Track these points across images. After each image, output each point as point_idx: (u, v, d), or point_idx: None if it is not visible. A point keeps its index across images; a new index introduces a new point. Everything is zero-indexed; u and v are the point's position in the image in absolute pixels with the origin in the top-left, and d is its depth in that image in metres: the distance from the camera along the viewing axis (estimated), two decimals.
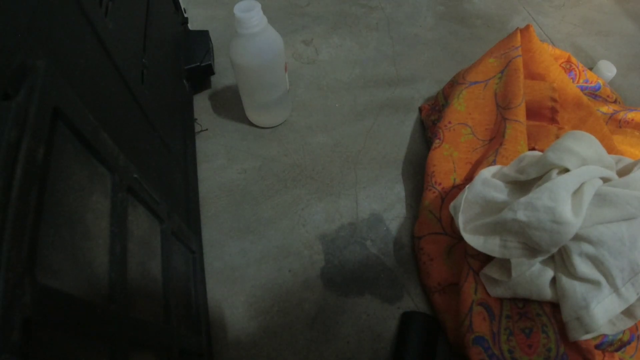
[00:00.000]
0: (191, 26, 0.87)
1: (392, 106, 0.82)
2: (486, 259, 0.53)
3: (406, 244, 0.63)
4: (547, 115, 0.67)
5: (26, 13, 0.27)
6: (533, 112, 0.67)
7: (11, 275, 0.19)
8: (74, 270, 0.26)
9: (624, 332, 0.46)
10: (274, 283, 0.59)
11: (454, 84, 0.73)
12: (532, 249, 0.47)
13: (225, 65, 0.86)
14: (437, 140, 0.67)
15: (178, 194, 0.57)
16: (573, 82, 0.76)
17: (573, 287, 0.45)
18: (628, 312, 0.45)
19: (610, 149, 0.62)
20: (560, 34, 0.99)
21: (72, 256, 0.26)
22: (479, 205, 0.52)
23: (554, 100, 0.66)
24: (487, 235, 0.49)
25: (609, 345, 0.47)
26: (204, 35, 0.82)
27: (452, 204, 0.54)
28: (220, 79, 0.85)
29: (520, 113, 0.63)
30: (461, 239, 0.52)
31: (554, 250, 0.45)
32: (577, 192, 0.45)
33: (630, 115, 0.69)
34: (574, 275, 0.46)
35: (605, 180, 0.48)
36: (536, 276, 0.48)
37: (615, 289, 0.44)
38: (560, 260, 0.47)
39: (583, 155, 0.47)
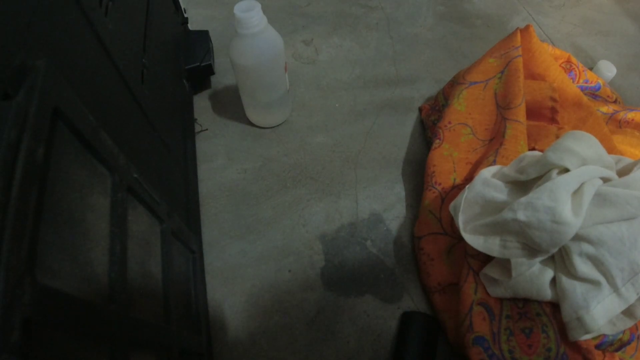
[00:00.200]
0: (191, 26, 0.87)
1: (392, 106, 0.82)
2: (486, 259, 0.53)
3: (406, 244, 0.63)
4: (547, 115, 0.67)
5: (26, 13, 0.27)
6: (533, 112, 0.67)
7: (11, 275, 0.19)
8: (74, 270, 0.26)
9: (624, 332, 0.46)
10: (274, 283, 0.59)
11: (454, 84, 0.73)
12: (532, 249, 0.47)
13: (225, 65, 0.86)
14: (437, 140, 0.67)
15: (178, 194, 0.57)
16: (573, 82, 0.76)
17: (573, 287, 0.45)
18: (628, 312, 0.45)
19: (610, 149, 0.62)
20: (560, 34, 0.99)
21: (72, 256, 0.26)
22: (479, 205, 0.52)
23: (554, 100, 0.66)
24: (487, 235, 0.49)
25: (609, 345, 0.46)
26: (204, 35, 0.82)
27: (452, 204, 0.54)
28: (220, 79, 0.85)
29: (520, 113, 0.63)
30: (461, 239, 0.52)
31: (554, 250, 0.45)
32: (577, 192, 0.45)
33: (630, 115, 0.69)
34: (574, 275, 0.46)
35: (605, 180, 0.48)
36: (536, 276, 0.48)
37: (615, 289, 0.44)
38: (560, 260, 0.47)
39: (583, 155, 0.47)
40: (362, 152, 0.74)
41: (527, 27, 0.69)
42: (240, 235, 0.64)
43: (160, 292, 0.40)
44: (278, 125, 0.77)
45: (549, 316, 0.48)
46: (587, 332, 0.44)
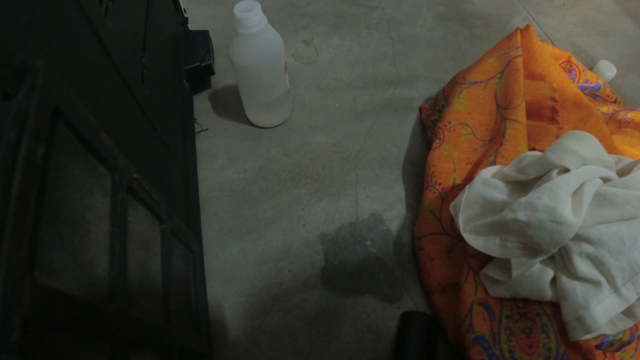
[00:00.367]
0: (191, 26, 0.87)
1: (392, 106, 0.82)
2: (486, 259, 0.53)
3: (406, 244, 0.63)
4: (547, 115, 0.67)
5: (26, 13, 0.27)
6: (533, 112, 0.67)
7: (11, 275, 0.19)
8: (74, 270, 0.26)
9: (624, 332, 0.46)
10: (274, 283, 0.59)
11: (454, 84, 0.73)
12: (532, 249, 0.47)
13: (225, 65, 0.86)
14: (437, 140, 0.67)
15: (178, 194, 0.57)
16: (573, 82, 0.76)
17: (573, 287, 0.45)
18: (628, 312, 0.45)
19: (610, 149, 0.62)
20: (560, 34, 0.99)
21: (72, 256, 0.26)
22: (479, 205, 0.52)
23: (554, 100, 0.66)
24: (487, 235, 0.49)
25: (609, 345, 0.46)
26: (204, 35, 0.82)
27: (452, 204, 0.54)
28: (220, 79, 0.85)
29: (521, 113, 0.63)
30: (461, 239, 0.52)
31: (554, 250, 0.45)
32: (577, 192, 0.45)
33: (630, 115, 0.69)
34: (574, 275, 0.46)
35: (606, 180, 0.48)
36: (536, 276, 0.48)
37: (615, 289, 0.44)
38: (561, 260, 0.47)
39: (583, 155, 0.47)
40: (362, 152, 0.74)
41: (527, 27, 0.69)
42: (240, 235, 0.64)
43: (160, 292, 0.40)
44: (278, 125, 0.77)
45: (549, 316, 0.48)
46: (587, 332, 0.44)
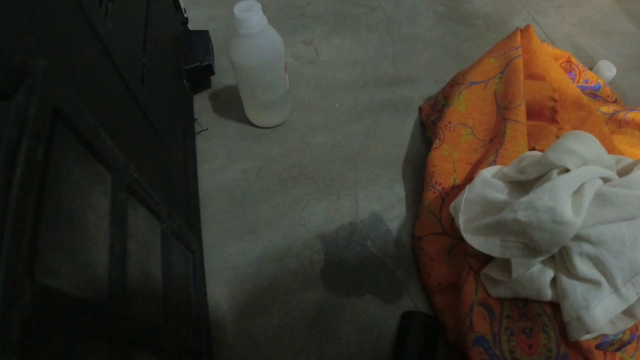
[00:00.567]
0: (191, 26, 0.87)
1: (392, 106, 0.82)
2: (487, 259, 0.53)
3: (406, 244, 0.63)
4: (547, 115, 0.67)
5: (26, 13, 0.26)
6: (533, 112, 0.67)
7: (11, 275, 0.19)
8: (74, 270, 0.26)
9: (624, 332, 0.46)
10: (274, 283, 0.59)
11: (454, 84, 0.73)
12: (532, 249, 0.47)
13: (225, 65, 0.86)
14: (437, 141, 0.67)
15: (178, 194, 0.57)
16: (573, 82, 0.76)
17: (573, 287, 0.45)
18: (628, 312, 0.45)
19: (610, 149, 0.62)
20: (560, 34, 0.99)
21: (72, 256, 0.26)
22: (479, 206, 0.52)
23: (554, 100, 0.66)
24: (487, 235, 0.49)
25: (609, 345, 0.46)
26: (204, 35, 0.82)
27: (452, 204, 0.54)
28: (220, 79, 0.85)
29: (521, 113, 0.63)
30: (461, 239, 0.52)
31: (555, 250, 0.45)
32: (578, 192, 0.45)
33: (630, 115, 0.69)
34: (574, 275, 0.46)
35: (606, 180, 0.48)
36: (536, 276, 0.47)
37: (615, 289, 0.44)
38: (561, 260, 0.47)
39: (583, 155, 0.47)
40: (362, 152, 0.74)
41: (527, 27, 0.69)
42: (240, 235, 0.64)
43: (160, 292, 0.40)
44: (278, 125, 0.77)
45: (550, 316, 0.48)
46: (587, 332, 0.44)
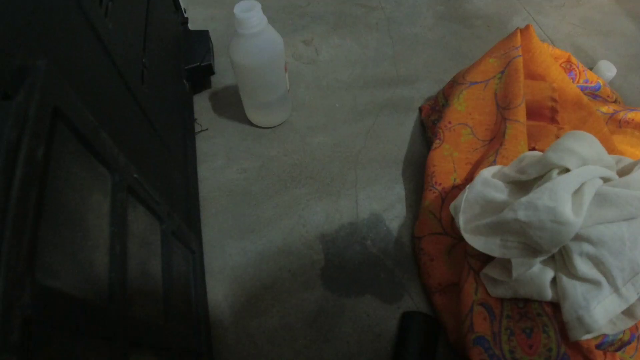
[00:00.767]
0: (191, 26, 0.87)
1: (392, 106, 0.82)
2: (487, 259, 0.53)
3: (406, 244, 0.63)
4: (547, 115, 0.67)
5: (26, 13, 0.26)
6: (533, 112, 0.67)
7: (11, 275, 0.19)
8: (74, 270, 0.26)
9: (624, 332, 0.46)
10: (274, 283, 0.59)
11: (454, 84, 0.73)
12: (532, 249, 0.47)
13: (225, 65, 0.86)
14: (437, 141, 0.67)
15: (178, 194, 0.57)
16: (573, 82, 0.76)
17: (573, 287, 0.45)
18: (628, 312, 0.45)
19: (610, 149, 0.62)
20: (560, 34, 0.99)
21: (72, 256, 0.26)
22: (480, 206, 0.52)
23: (554, 100, 0.66)
24: (487, 235, 0.49)
25: (609, 345, 0.46)
26: (204, 35, 0.82)
27: (452, 204, 0.54)
28: (220, 79, 0.85)
29: (521, 113, 0.63)
30: (461, 239, 0.52)
31: (555, 250, 0.45)
32: (578, 192, 0.45)
33: (630, 115, 0.69)
34: (574, 275, 0.46)
35: (606, 180, 0.48)
36: (537, 276, 0.48)
37: (615, 289, 0.44)
38: (561, 260, 0.47)
39: (583, 155, 0.47)
40: (362, 152, 0.74)
41: (527, 27, 0.69)
42: (240, 235, 0.64)
43: (160, 292, 0.40)
44: (278, 125, 0.77)
45: (550, 316, 0.48)
46: (587, 332, 0.44)
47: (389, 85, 0.85)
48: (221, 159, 0.73)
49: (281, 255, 0.62)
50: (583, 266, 0.45)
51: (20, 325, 0.19)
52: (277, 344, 0.55)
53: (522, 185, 0.51)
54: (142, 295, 0.36)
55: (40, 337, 0.21)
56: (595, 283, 0.45)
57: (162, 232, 0.43)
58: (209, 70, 0.79)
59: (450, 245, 0.58)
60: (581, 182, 0.45)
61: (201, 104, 0.80)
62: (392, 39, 0.95)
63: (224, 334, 0.55)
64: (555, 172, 0.47)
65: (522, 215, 0.45)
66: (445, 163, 0.65)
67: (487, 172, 0.54)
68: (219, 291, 0.59)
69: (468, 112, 0.68)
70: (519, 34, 0.69)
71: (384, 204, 0.68)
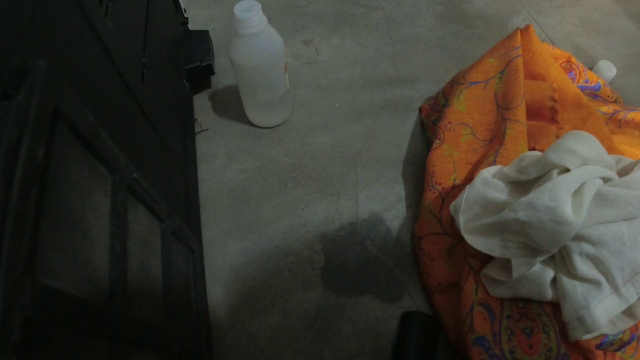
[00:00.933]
0: (191, 26, 0.87)
1: (392, 106, 0.82)
2: (487, 259, 0.53)
3: (406, 244, 0.63)
4: (547, 115, 0.67)
5: (26, 13, 0.26)
6: (533, 112, 0.67)
7: (11, 275, 0.19)
8: (74, 270, 0.26)
9: (624, 331, 0.46)
10: (274, 283, 0.59)
11: (454, 84, 0.73)
12: (532, 249, 0.47)
13: (225, 65, 0.86)
14: (437, 141, 0.67)
15: (178, 194, 0.57)
16: (573, 82, 0.76)
17: (573, 287, 0.45)
18: (628, 312, 0.45)
19: (610, 149, 0.62)
20: (560, 34, 0.99)
21: (72, 256, 0.26)
22: (480, 206, 0.52)
23: (554, 100, 0.66)
24: (487, 235, 0.49)
25: (609, 345, 0.46)
26: (204, 35, 0.82)
27: (452, 204, 0.54)
28: (220, 79, 0.85)
29: (521, 113, 0.63)
30: (462, 239, 0.52)
31: (555, 250, 0.45)
32: (578, 192, 0.45)
33: (630, 115, 0.69)
34: (574, 275, 0.46)
35: (606, 180, 0.48)
36: (537, 276, 0.48)
37: (615, 288, 0.44)
38: (561, 260, 0.47)
39: (583, 155, 0.47)
40: (362, 152, 0.74)
41: (527, 27, 0.69)
42: (240, 235, 0.64)
43: (160, 292, 0.40)
44: (278, 125, 0.77)
45: (550, 316, 0.48)
46: (587, 332, 0.44)
47: (388, 85, 0.85)
48: (221, 159, 0.73)
49: (281, 255, 0.62)
50: (583, 266, 0.45)
51: (20, 325, 0.19)
52: (277, 343, 0.55)
53: (522, 185, 0.51)
54: (142, 295, 0.36)
55: (40, 337, 0.21)
56: (595, 283, 0.45)
57: (162, 232, 0.43)
58: (209, 70, 0.79)
59: (450, 245, 0.58)
60: (581, 182, 0.45)
61: (201, 104, 0.80)
62: (392, 39, 0.95)
63: (223, 334, 0.55)
64: (555, 172, 0.47)
65: (522, 215, 0.45)
66: (445, 163, 0.65)
67: (487, 172, 0.54)
68: (219, 291, 0.59)
69: (468, 112, 0.68)
70: (519, 34, 0.69)
71: (384, 204, 0.68)
